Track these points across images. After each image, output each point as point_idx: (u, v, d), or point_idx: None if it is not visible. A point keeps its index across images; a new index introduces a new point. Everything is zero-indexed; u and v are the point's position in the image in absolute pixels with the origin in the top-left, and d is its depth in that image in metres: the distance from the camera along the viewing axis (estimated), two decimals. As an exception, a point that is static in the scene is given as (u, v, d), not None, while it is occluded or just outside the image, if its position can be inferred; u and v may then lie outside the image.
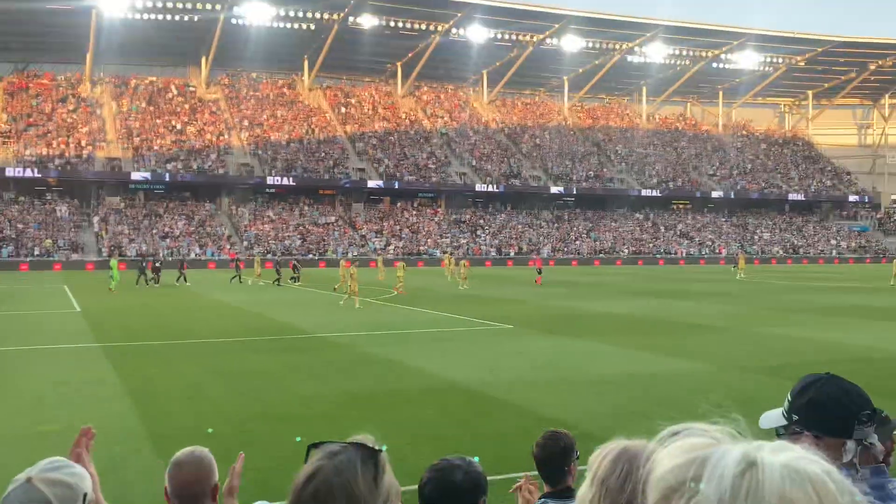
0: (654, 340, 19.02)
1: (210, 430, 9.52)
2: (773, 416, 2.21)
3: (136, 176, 65.71)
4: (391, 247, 65.56)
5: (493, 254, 67.92)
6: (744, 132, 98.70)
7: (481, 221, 74.77)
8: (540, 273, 41.97)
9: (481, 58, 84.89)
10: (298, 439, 7.93)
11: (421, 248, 67.54)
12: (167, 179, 66.96)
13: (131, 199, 67.72)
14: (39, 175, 63.42)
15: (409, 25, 78.48)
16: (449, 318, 24.09)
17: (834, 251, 79.69)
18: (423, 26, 78.82)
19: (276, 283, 39.54)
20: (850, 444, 2.01)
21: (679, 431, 1.00)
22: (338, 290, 32.81)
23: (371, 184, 72.16)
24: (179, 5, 70.31)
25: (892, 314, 25.71)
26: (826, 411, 2.09)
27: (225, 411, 11.24)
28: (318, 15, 75.60)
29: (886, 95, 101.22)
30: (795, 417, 2.12)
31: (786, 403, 2.17)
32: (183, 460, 2.80)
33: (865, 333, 20.45)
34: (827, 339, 19.29)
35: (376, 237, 68.32)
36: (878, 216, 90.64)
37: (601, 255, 71.67)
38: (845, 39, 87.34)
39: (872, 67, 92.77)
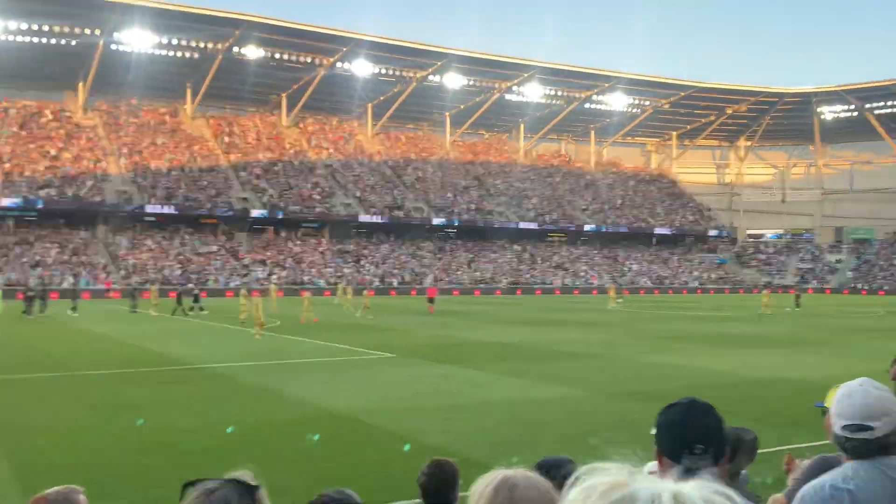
0: (532, 367, 19.38)
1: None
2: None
3: (5, 202, 61.97)
4: (274, 276, 64.33)
5: (377, 283, 67.77)
6: (614, 169, 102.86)
7: (365, 251, 74.56)
8: (432, 302, 42.12)
9: (366, 91, 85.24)
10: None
11: (305, 277, 66.61)
12: (40, 206, 63.47)
13: (0, 227, 63.77)
14: None
15: (294, 58, 77.98)
16: (332, 348, 23.78)
17: (696, 282, 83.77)
18: (309, 59, 78.49)
19: (176, 312, 37.81)
20: (675, 470, 2.04)
21: (588, 472, 0.98)
22: (245, 321, 31.66)
23: (254, 213, 70.80)
24: (57, 29, 67.32)
25: (753, 341, 27.19)
26: (663, 435, 2.19)
27: (98, 447, 10.64)
28: (202, 44, 74.04)
29: (742, 138, 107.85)
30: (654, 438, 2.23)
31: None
32: (52, 499, 2.63)
33: (729, 360, 21.50)
34: (693, 365, 20.16)
35: (259, 267, 66.92)
36: (736, 249, 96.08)
37: (481, 285, 72.73)
38: (705, 85, 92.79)
39: (729, 112, 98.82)
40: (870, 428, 2.24)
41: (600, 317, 40.07)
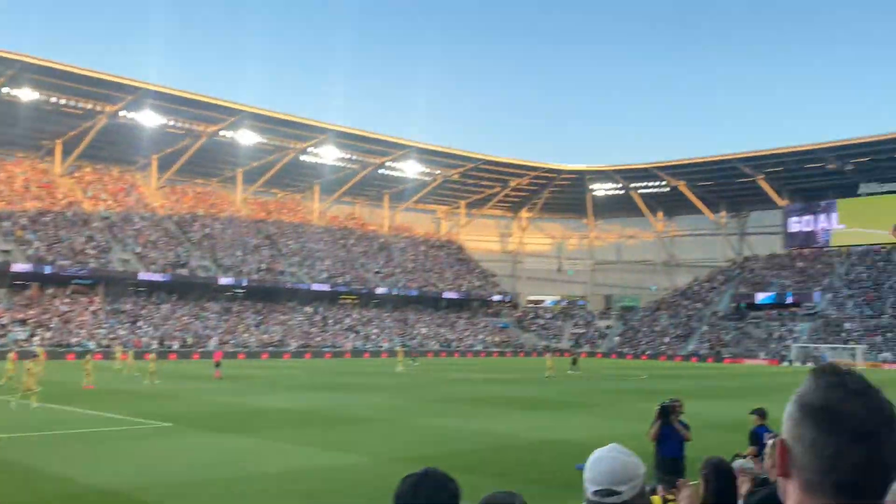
0: (318, 435, 19.05)
1: None
2: None
3: None
4: (37, 338, 58.81)
5: (155, 346, 63.90)
6: (406, 234, 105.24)
7: (143, 311, 70.25)
8: (218, 366, 40.30)
9: (152, 143, 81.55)
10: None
11: (73, 339, 61.48)
12: None
13: None
14: None
15: (73, 103, 73.28)
16: (105, 418, 22.03)
17: (481, 345, 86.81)
18: (90, 106, 74.11)
19: None
20: None
21: None
22: (4, 384, 28.33)
23: (16, 267, 64.58)
24: None
25: (535, 403, 28.45)
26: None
27: None
28: (-35, 80, 67.70)
29: (524, 209, 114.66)
30: None
31: None
32: None
33: (511, 421, 22.33)
34: (476, 427, 20.74)
35: (19, 327, 60.92)
36: (517, 314, 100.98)
37: (270, 348, 70.84)
38: (492, 159, 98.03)
39: (513, 185, 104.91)
40: (617, 493, 2.43)
41: (389, 380, 40.29)
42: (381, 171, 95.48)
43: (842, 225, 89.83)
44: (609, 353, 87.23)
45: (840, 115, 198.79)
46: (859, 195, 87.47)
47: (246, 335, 72.40)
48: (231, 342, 69.24)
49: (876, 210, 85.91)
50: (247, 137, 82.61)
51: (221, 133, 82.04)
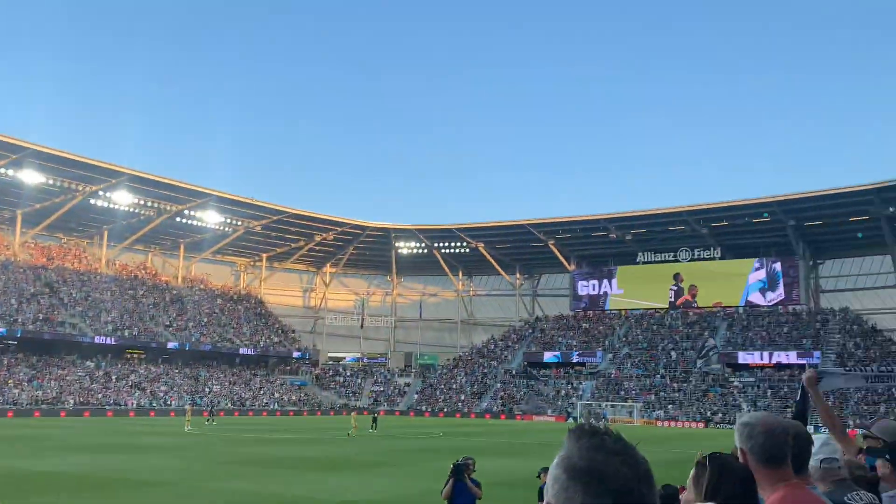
0: (95, 502, 17.80)
1: None
2: None
3: None
4: None
5: None
6: (202, 286, 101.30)
7: None
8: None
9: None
10: None
11: None
12: None
13: None
14: None
15: None
16: None
17: (276, 404, 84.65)
18: None
19: None
20: None
21: None
22: None
23: None
24: None
25: (335, 464, 28.14)
26: None
27: None
28: None
29: (328, 264, 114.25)
30: None
31: None
32: None
33: (306, 483, 21.98)
34: (268, 491, 20.23)
35: None
36: (317, 372, 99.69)
37: (44, 405, 65.08)
38: (296, 212, 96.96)
39: (318, 239, 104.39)
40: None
41: (177, 441, 38.33)
42: (178, 219, 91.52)
43: (621, 290, 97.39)
44: (408, 411, 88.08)
45: (625, 191, 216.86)
46: (637, 263, 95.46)
47: (17, 391, 66.21)
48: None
49: (651, 277, 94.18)
50: (29, 177, 76.54)
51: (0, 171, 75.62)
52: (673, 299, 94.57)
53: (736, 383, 78.63)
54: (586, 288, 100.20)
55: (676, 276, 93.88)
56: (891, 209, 74.63)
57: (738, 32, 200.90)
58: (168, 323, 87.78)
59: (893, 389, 64.09)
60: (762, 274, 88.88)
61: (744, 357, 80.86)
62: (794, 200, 78.95)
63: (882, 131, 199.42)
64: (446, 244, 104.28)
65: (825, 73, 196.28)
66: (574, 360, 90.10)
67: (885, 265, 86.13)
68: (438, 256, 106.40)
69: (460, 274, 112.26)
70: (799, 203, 79.11)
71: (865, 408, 66.83)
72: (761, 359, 79.85)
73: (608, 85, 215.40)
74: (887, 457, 4.34)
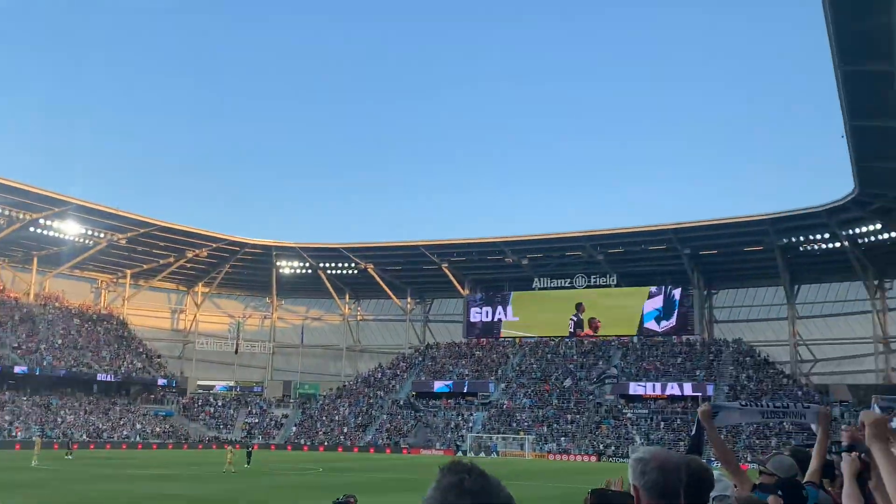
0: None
1: None
2: None
3: None
4: None
5: None
6: (57, 304, 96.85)
7: None
8: None
9: None
10: None
11: None
12: None
13: None
14: None
15: None
16: None
17: (138, 436, 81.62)
18: None
19: None
20: None
21: None
22: None
23: None
24: None
25: (212, 501, 27.39)
26: None
27: None
28: None
29: (200, 284, 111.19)
30: None
31: None
32: None
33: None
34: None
35: None
36: (184, 401, 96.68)
37: None
38: (167, 225, 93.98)
39: (190, 255, 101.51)
40: None
41: (24, 477, 36.44)
42: (32, 228, 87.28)
43: (516, 317, 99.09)
44: (285, 445, 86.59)
45: (524, 214, 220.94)
46: (533, 288, 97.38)
47: None
48: None
49: (546, 304, 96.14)
50: None
51: None
52: (573, 330, 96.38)
53: (629, 415, 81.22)
54: (479, 315, 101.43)
55: (578, 307, 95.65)
56: (784, 240, 79.31)
57: (639, 50, 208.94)
58: (16, 345, 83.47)
59: (786, 424, 67.80)
60: (658, 302, 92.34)
61: (635, 388, 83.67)
62: (690, 228, 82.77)
63: (779, 162, 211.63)
64: (333, 265, 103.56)
65: (721, 105, 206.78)
66: (465, 390, 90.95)
67: (777, 296, 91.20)
68: (324, 277, 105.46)
69: (347, 297, 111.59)
70: (694, 231, 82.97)
71: (758, 441, 70.33)
72: (654, 390, 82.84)
73: (498, 103, 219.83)
74: (779, 493, 4.71)
